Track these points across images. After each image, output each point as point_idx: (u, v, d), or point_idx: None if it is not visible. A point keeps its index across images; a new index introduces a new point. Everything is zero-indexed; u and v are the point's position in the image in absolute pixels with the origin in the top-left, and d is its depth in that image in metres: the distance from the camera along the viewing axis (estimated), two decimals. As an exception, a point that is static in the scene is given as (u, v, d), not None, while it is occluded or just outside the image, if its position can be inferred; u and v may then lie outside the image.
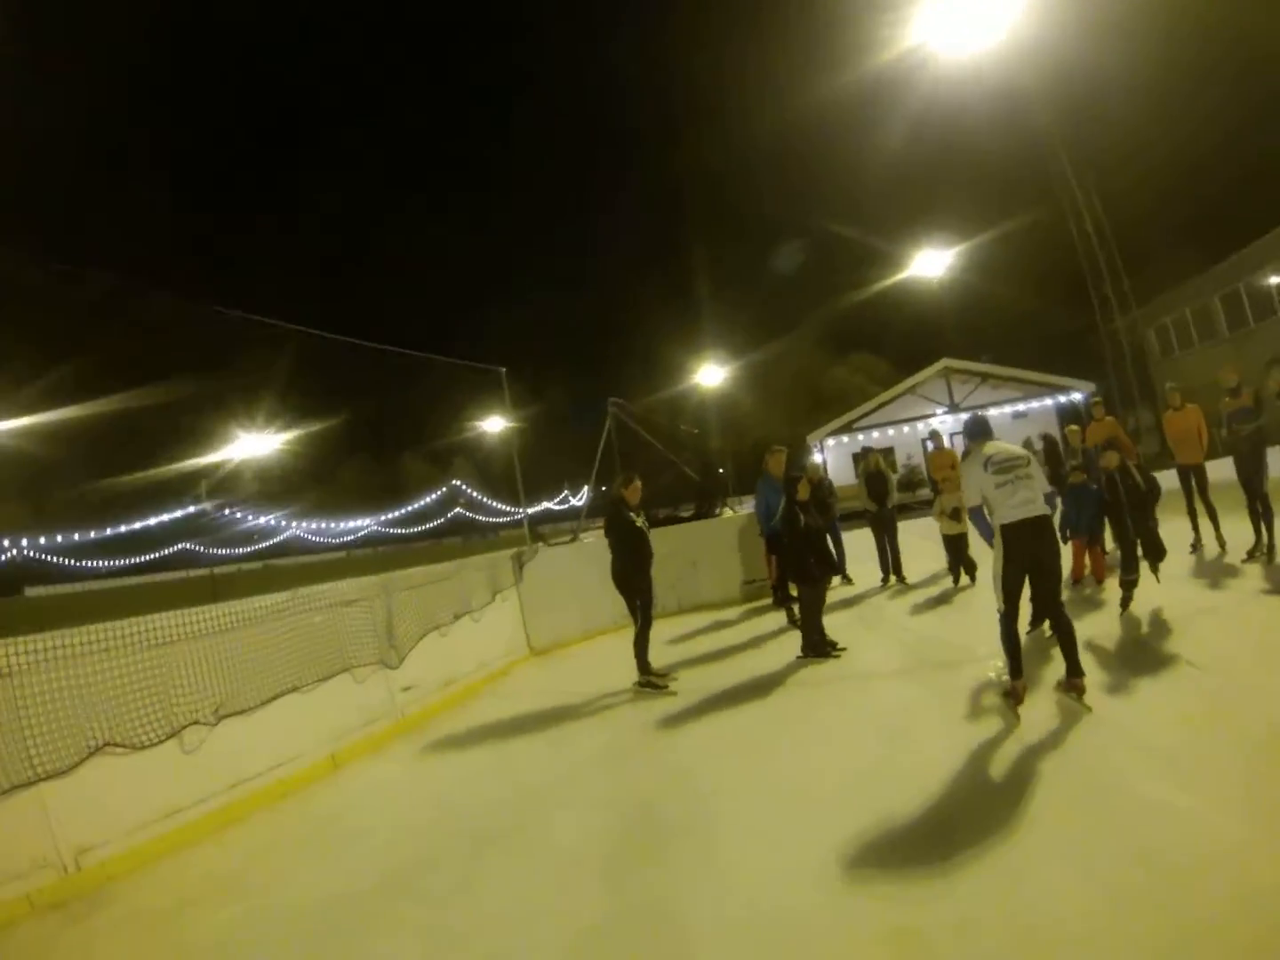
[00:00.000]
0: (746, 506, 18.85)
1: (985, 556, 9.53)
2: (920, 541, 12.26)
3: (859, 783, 4.39)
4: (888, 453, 29.48)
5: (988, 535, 5.29)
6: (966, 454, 5.62)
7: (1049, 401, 29.10)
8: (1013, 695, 5.07)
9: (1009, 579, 5.09)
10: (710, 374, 42.85)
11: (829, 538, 8.68)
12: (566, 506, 70.07)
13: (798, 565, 7.37)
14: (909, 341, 48.34)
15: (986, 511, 5.20)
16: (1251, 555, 8.08)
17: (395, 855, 4.28)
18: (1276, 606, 6.81)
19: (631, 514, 7.18)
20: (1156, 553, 7.08)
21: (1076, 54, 28.43)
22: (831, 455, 30.87)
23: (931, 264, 34.80)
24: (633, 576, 7.06)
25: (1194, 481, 9.14)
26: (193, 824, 4.72)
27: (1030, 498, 5.01)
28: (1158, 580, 7.10)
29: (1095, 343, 30.74)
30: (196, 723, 4.73)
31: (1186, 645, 5.80)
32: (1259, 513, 8.10)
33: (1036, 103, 28.52)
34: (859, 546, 11.89)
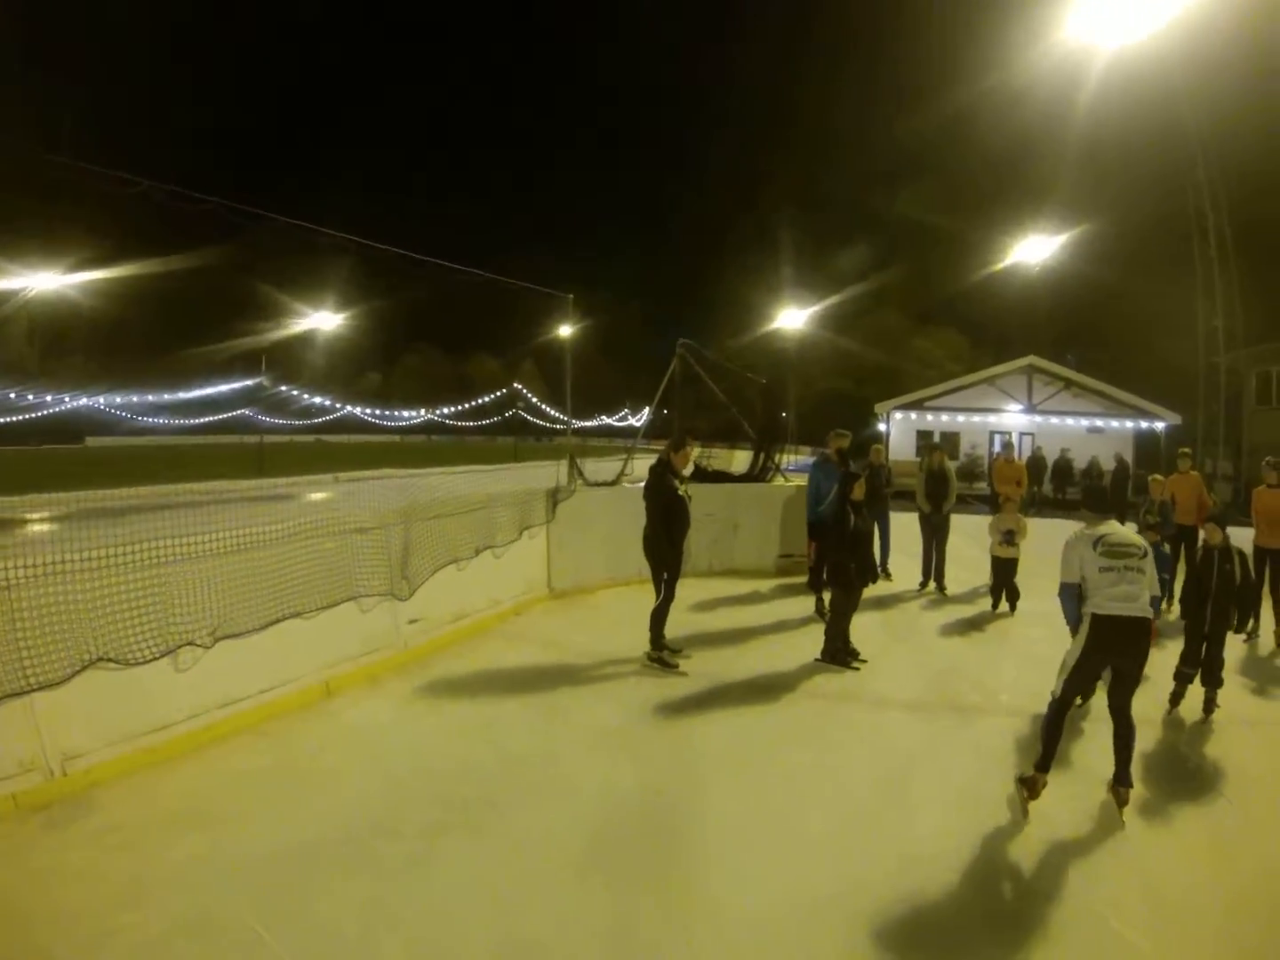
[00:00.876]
0: (801, 464, 18.61)
1: (1034, 589, 9.43)
2: (967, 545, 11.64)
3: (842, 834, 4.28)
4: (953, 439, 29.11)
5: (1074, 620, 4.78)
6: (1079, 530, 4.90)
7: (1129, 424, 28.00)
8: (1029, 788, 4.59)
9: (1080, 673, 4.66)
10: (791, 317, 41.83)
11: (876, 526, 8.47)
12: (626, 424, 70.34)
13: (837, 567, 7.11)
14: (994, 326, 47.02)
15: (1081, 592, 4.69)
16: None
17: (361, 811, 4.30)
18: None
19: (676, 481, 6.95)
20: (1214, 678, 6.20)
21: (1239, 61, 25.84)
22: (897, 429, 30.21)
23: (1034, 251, 33.42)
24: (665, 547, 6.82)
25: (1270, 566, 8.44)
26: (179, 739, 4.79)
27: (1135, 594, 4.55)
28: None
29: (1191, 374, 28.30)
30: (191, 644, 4.73)
31: (1226, 766, 5.32)
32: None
33: (1184, 107, 26.01)
34: (903, 536, 11.33)
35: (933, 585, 10.41)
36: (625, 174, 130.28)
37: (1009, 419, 28.89)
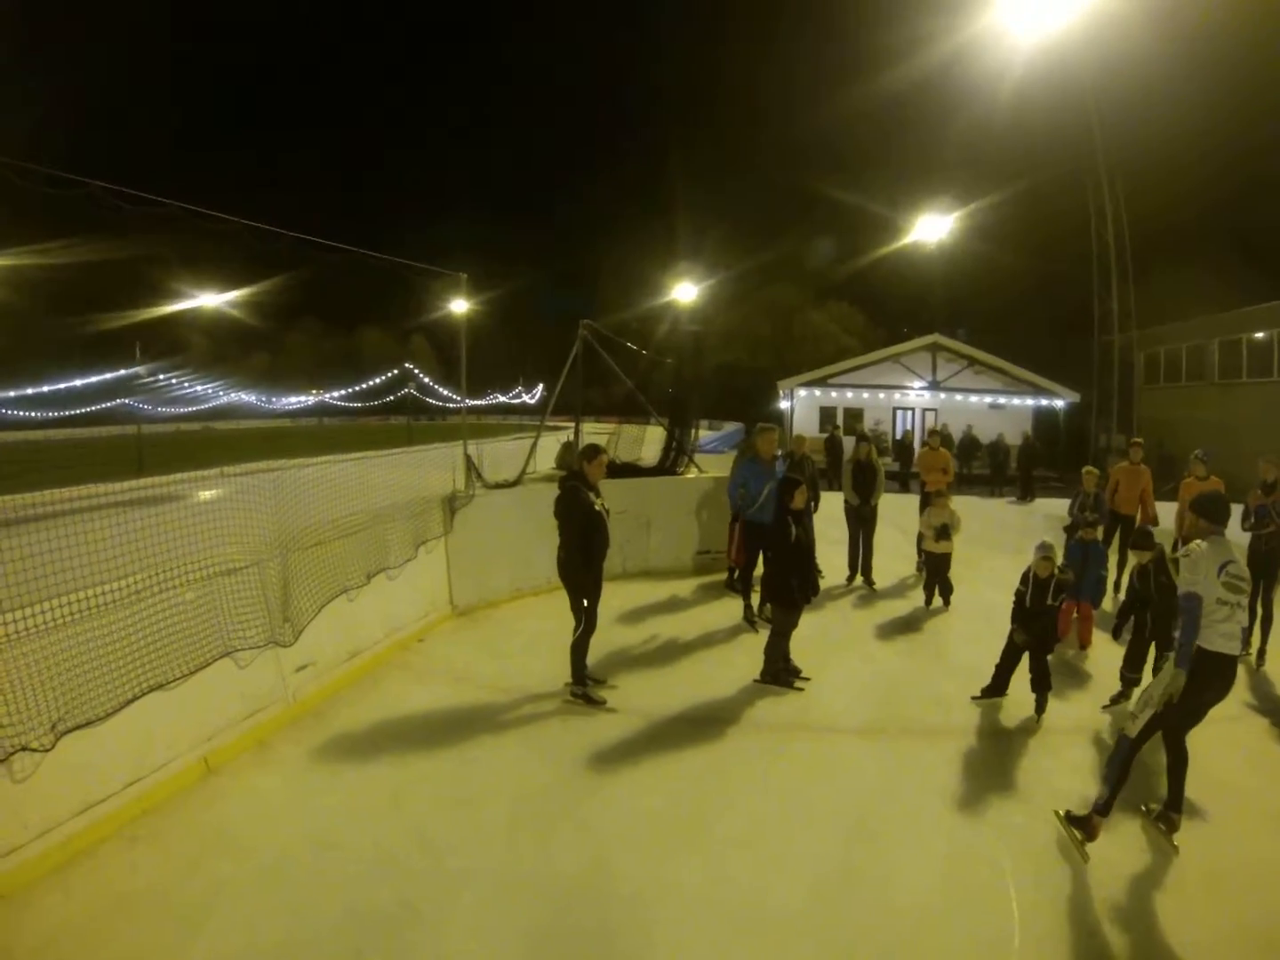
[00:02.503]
0: (707, 441, 18.46)
1: (964, 579, 9.36)
2: (889, 531, 11.60)
3: (816, 904, 3.95)
4: (857, 416, 29.75)
5: (1189, 644, 4.29)
6: (1203, 546, 4.53)
7: (1029, 401, 29.28)
8: (1085, 830, 4.37)
9: (1187, 714, 4.39)
10: (687, 290, 41.67)
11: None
12: (520, 402, 69.43)
13: (779, 584, 6.70)
14: (893, 303, 47.93)
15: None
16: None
17: (255, 944, 3.59)
18: (1260, 730, 6.21)
19: (592, 495, 6.30)
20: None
21: (1142, 56, 27.66)
22: (800, 405, 30.46)
23: (931, 230, 34.19)
24: (582, 571, 6.21)
25: None
26: (30, 864, 3.89)
27: (1238, 632, 4.37)
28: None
29: (1085, 353, 30.69)
30: (26, 749, 3.83)
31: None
32: (1257, 615, 7.55)
33: (1086, 96, 27.80)
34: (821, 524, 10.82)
35: (860, 579, 10.26)
36: (526, 147, 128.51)
37: (913, 396, 29.74)
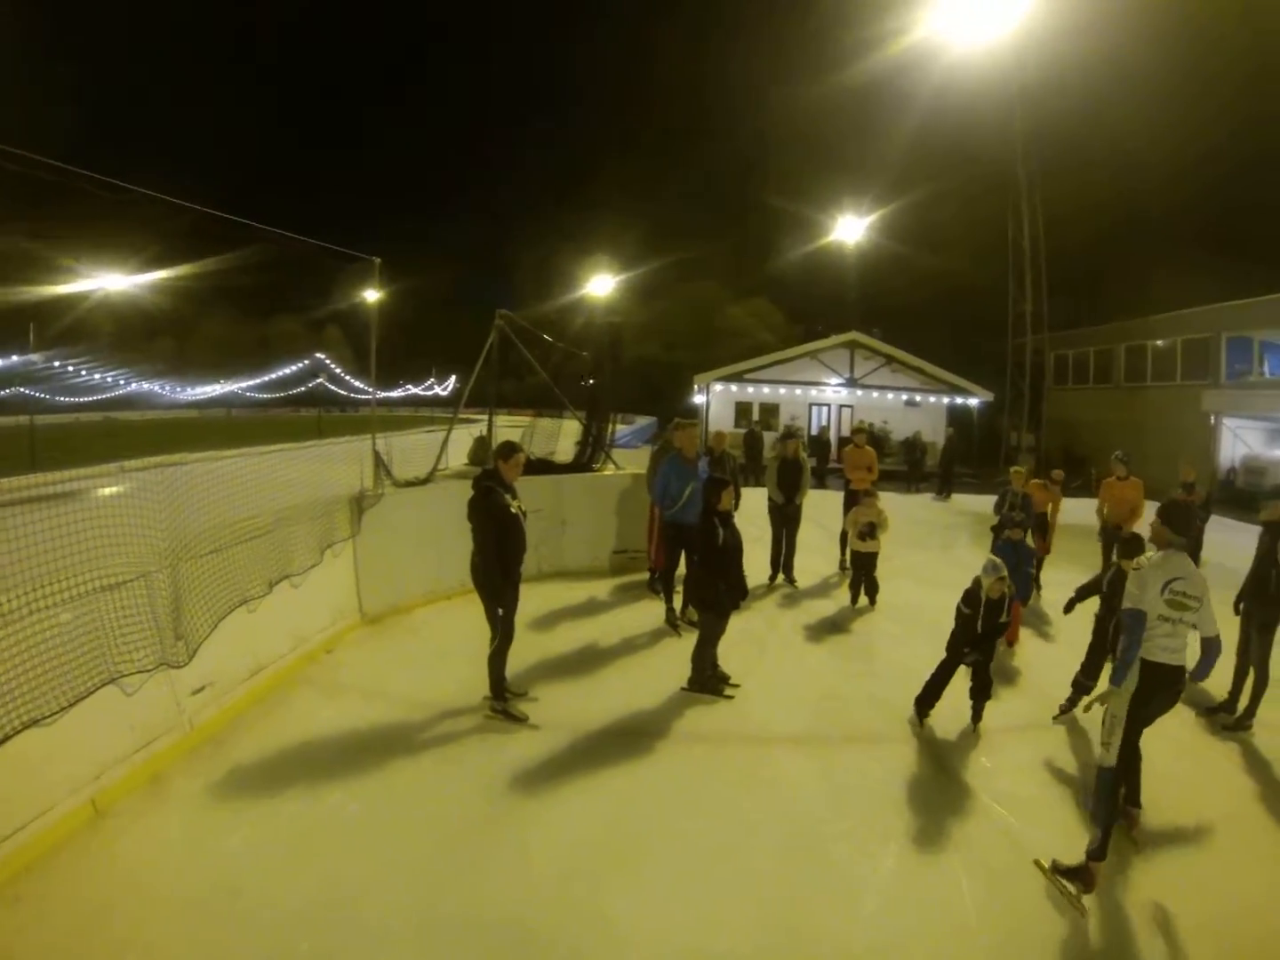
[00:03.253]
0: (623, 435, 18.30)
1: (887, 576, 9.37)
2: (810, 528, 11.39)
3: (765, 943, 3.77)
4: (773, 411, 30.21)
5: (1131, 656, 4.31)
6: (1152, 559, 4.55)
7: (945, 399, 30.33)
8: (1084, 881, 4.13)
9: (1133, 721, 4.35)
10: (602, 284, 41.41)
11: None
12: (432, 394, 68.06)
13: (706, 590, 6.49)
14: (811, 301, 48.88)
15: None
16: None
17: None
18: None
19: (508, 495, 5.93)
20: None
21: (1062, 70, 30.10)
22: (716, 400, 30.56)
23: (850, 230, 35.31)
24: (498, 578, 5.83)
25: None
26: None
27: (1182, 646, 4.39)
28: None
29: (998, 354, 32.38)
30: None
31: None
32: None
33: (1010, 106, 29.41)
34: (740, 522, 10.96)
35: (782, 578, 10.22)
36: (445, 136, 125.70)
37: (829, 392, 30.27)
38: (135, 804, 4.62)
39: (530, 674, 6.63)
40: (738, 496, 10.19)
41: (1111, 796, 4.29)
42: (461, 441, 10.68)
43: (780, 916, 3.96)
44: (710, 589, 6.43)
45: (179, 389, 63.52)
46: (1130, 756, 4.60)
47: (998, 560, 6.12)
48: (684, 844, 4.52)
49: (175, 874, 4.07)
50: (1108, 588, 6.18)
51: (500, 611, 5.88)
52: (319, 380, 61.80)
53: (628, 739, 5.72)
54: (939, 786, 5.24)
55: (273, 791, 4.85)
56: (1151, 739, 5.58)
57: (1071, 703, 6.37)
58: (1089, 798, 4.52)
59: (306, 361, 61.98)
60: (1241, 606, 6.61)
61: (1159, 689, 4.34)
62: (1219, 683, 6.41)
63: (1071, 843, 4.36)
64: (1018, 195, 29.95)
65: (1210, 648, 4.47)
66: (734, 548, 6.54)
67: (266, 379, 64.34)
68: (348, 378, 63.63)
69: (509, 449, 6.13)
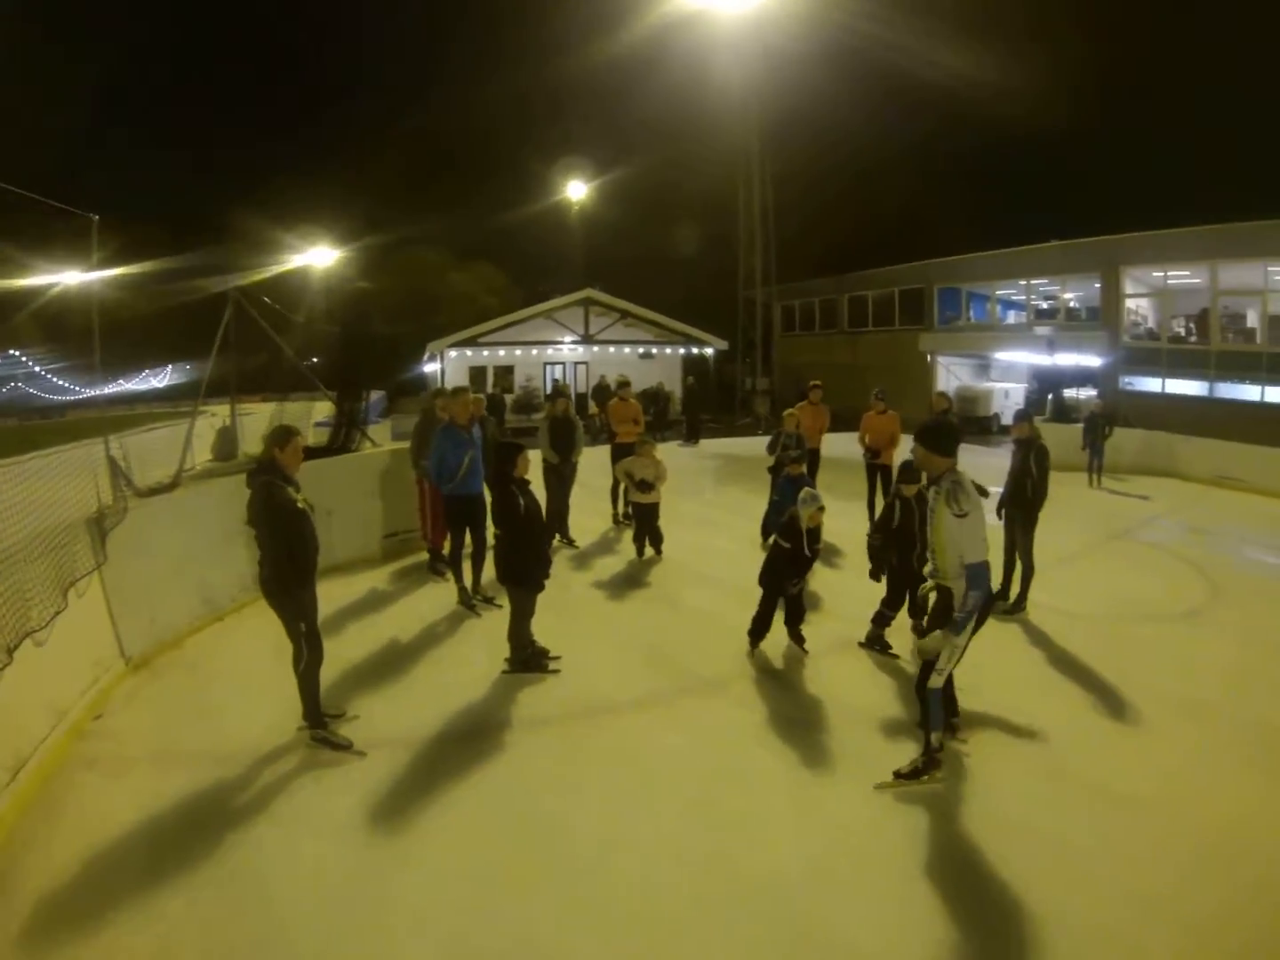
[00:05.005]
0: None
1: (665, 526, 9.52)
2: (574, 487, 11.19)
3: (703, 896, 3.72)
4: (508, 371, 30.10)
5: (981, 610, 4.43)
6: (952, 485, 4.48)
7: (680, 350, 31.71)
8: (938, 765, 4.66)
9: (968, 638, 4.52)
10: (321, 255, 38.74)
11: None
12: (148, 387, 60.06)
13: (517, 565, 6.07)
14: (538, 261, 49.05)
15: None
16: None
17: None
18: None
19: (291, 489, 5.08)
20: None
21: (798, 44, 31.80)
22: (450, 367, 29.59)
23: (577, 190, 36.72)
24: (294, 585, 5.03)
25: (880, 478, 10.53)
26: None
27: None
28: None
29: (731, 305, 34.99)
30: None
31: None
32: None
33: (748, 74, 31.24)
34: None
35: (558, 539, 10.04)
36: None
37: (565, 350, 30.33)
38: None
39: (338, 689, 5.81)
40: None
41: (940, 707, 4.61)
42: (203, 435, 9.51)
43: (706, 868, 3.95)
44: (521, 562, 6.06)
45: None
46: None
47: (815, 491, 6.40)
48: (578, 847, 4.16)
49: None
50: (900, 514, 6.56)
51: (302, 625, 5.09)
52: (15, 384, 52.55)
53: (473, 738, 5.24)
54: (795, 719, 5.45)
55: (90, 927, 3.58)
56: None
57: (878, 634, 6.71)
58: (927, 720, 4.70)
59: (-1, 361, 52.41)
60: (1004, 512, 7.64)
61: (987, 607, 4.56)
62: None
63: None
64: (749, 161, 32.54)
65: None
66: (536, 514, 6.22)
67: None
68: (48, 375, 54.18)
69: (285, 434, 5.23)
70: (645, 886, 3.82)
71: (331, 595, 7.89)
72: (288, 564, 5.02)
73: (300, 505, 5.13)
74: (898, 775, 4.61)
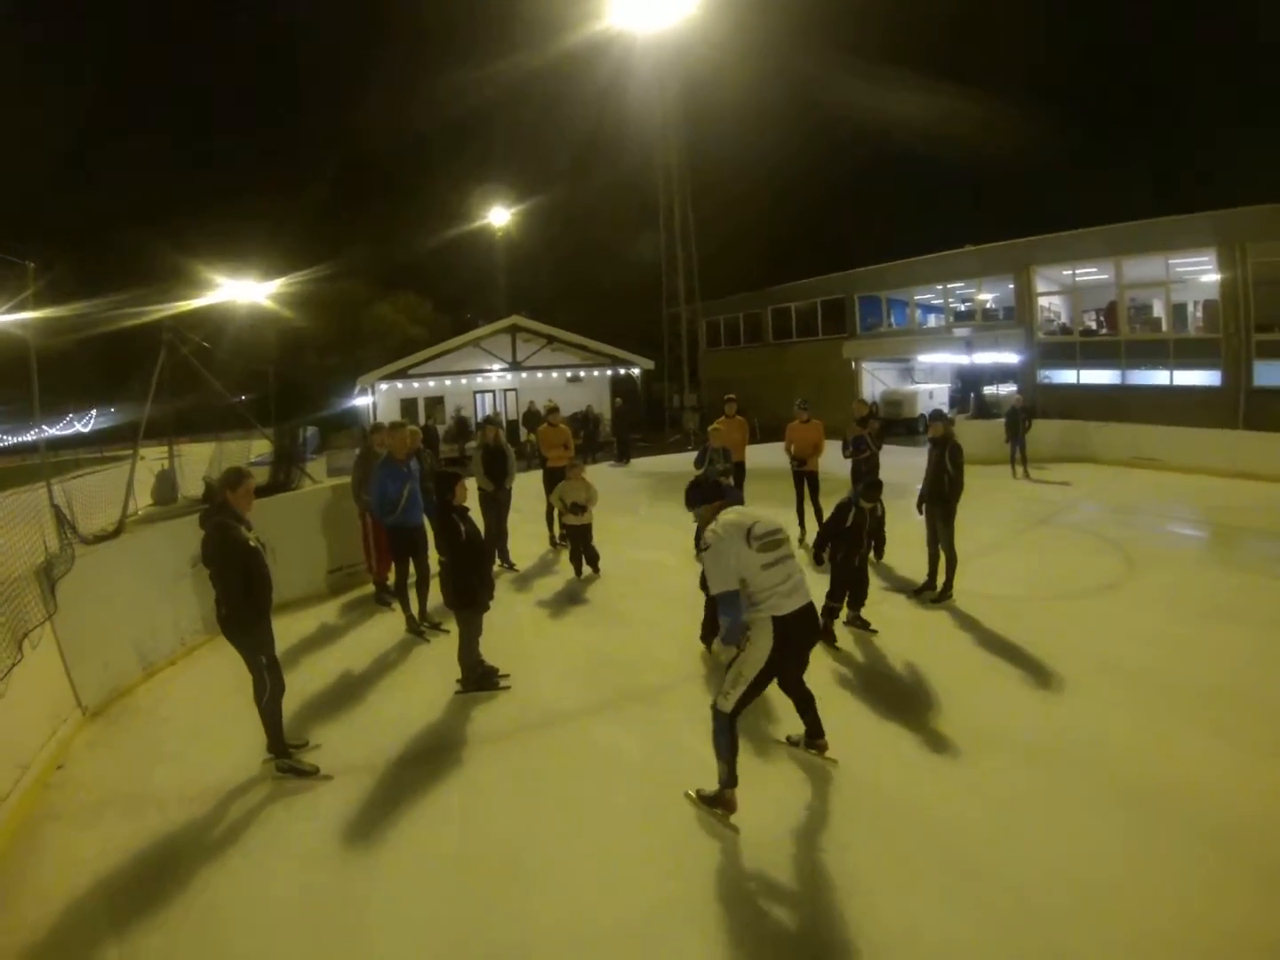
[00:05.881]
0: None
1: (602, 545, 9.92)
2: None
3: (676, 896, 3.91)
4: (439, 402, 30.18)
5: (737, 633, 4.30)
6: (710, 525, 4.52)
7: (608, 371, 32.10)
8: (724, 805, 4.44)
9: (763, 679, 4.36)
10: (244, 290, 38.19)
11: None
12: (71, 432, 57.38)
13: (462, 589, 6.32)
14: (462, 288, 49.87)
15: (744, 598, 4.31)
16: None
17: None
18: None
19: (244, 528, 5.28)
20: (861, 596, 7.49)
21: (717, 66, 33.61)
22: (383, 399, 29.49)
23: (501, 216, 37.63)
24: (252, 621, 5.24)
25: (808, 484, 10.94)
26: None
27: (801, 579, 4.42)
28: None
29: (655, 324, 36.35)
30: None
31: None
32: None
33: (666, 95, 32.77)
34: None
35: (499, 564, 10.29)
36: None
37: (494, 378, 30.54)
38: None
39: (298, 720, 5.98)
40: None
41: (731, 734, 4.40)
42: (141, 479, 9.56)
43: (671, 872, 4.09)
44: (465, 585, 6.30)
45: None
46: (802, 697, 4.99)
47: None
48: (546, 840, 4.43)
49: None
50: (848, 516, 7.08)
51: (264, 658, 5.30)
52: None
53: (434, 758, 5.44)
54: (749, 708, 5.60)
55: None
56: (880, 624, 7.29)
57: (827, 625, 6.98)
58: (716, 740, 4.50)
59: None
60: (924, 507, 8.30)
61: (794, 636, 4.37)
62: (919, 569, 8.39)
63: (785, 773, 4.99)
64: (668, 183, 33.69)
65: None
66: (478, 540, 6.52)
67: None
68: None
69: (237, 476, 5.46)
70: (608, 893, 3.96)
71: (282, 632, 7.77)
72: (244, 601, 5.21)
73: (253, 544, 5.34)
74: (700, 795, 4.62)
